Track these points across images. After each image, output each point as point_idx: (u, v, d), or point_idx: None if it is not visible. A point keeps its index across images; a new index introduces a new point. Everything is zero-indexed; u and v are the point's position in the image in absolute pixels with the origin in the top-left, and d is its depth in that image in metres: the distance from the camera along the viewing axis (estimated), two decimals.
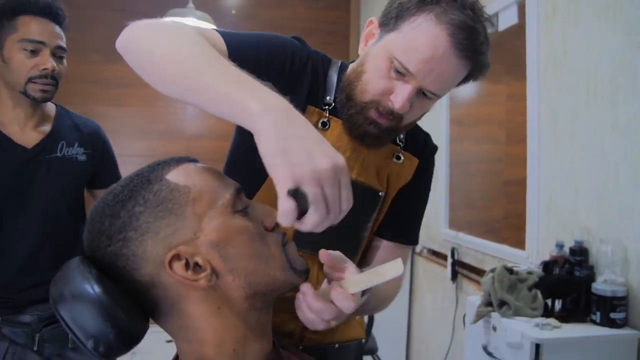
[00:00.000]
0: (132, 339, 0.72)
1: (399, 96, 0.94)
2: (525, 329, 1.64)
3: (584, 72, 1.97)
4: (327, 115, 1.07)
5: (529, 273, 1.87)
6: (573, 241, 1.89)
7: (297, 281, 0.78)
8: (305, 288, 0.78)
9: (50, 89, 1.55)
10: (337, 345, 1.17)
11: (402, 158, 1.15)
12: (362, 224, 1.14)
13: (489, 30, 0.97)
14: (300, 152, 0.62)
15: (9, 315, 1.54)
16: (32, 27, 1.51)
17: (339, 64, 1.13)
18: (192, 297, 0.72)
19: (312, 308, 0.77)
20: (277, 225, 0.79)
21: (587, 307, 1.73)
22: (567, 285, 1.77)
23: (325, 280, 0.86)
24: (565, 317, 1.73)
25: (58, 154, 1.61)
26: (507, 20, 2.50)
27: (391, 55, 0.94)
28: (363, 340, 1.28)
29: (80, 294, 0.68)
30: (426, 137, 1.25)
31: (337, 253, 0.84)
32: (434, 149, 1.27)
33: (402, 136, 1.15)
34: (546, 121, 2.20)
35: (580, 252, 1.86)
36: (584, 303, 1.74)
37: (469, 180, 2.97)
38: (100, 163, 1.74)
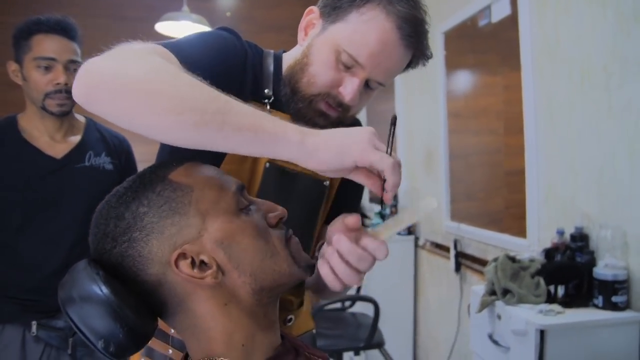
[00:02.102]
0: (141, 338, 0.72)
1: (349, 88, 0.95)
2: (529, 315, 1.66)
3: (578, 59, 1.99)
4: (269, 109, 1.03)
5: (531, 261, 1.89)
6: (573, 227, 1.91)
7: (302, 275, 0.79)
8: (338, 236, 0.75)
9: (67, 102, 1.61)
10: None
11: None
12: (311, 215, 1.13)
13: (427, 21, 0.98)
14: (354, 133, 0.76)
15: (44, 320, 1.61)
16: (45, 44, 1.58)
17: (273, 54, 1.09)
18: (199, 295, 0.72)
19: (352, 255, 0.74)
20: (280, 221, 0.80)
21: (589, 291, 1.75)
22: (569, 271, 1.79)
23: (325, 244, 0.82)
24: (568, 302, 1.75)
25: (86, 164, 1.68)
26: (500, 11, 2.52)
27: (339, 47, 0.93)
28: (313, 331, 1.28)
29: (89, 295, 0.68)
30: (354, 121, 1.20)
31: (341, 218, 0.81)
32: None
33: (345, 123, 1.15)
34: (542, 110, 2.22)
35: (580, 238, 1.88)
36: (586, 288, 1.76)
37: (469, 172, 2.99)
38: (125, 173, 1.77)
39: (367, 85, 0.98)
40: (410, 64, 1.01)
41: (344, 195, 1.19)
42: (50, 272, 1.60)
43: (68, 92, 1.59)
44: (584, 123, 1.97)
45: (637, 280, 1.72)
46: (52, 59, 1.58)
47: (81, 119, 1.77)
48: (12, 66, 1.62)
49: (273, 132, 0.70)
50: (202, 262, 0.71)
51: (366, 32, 0.92)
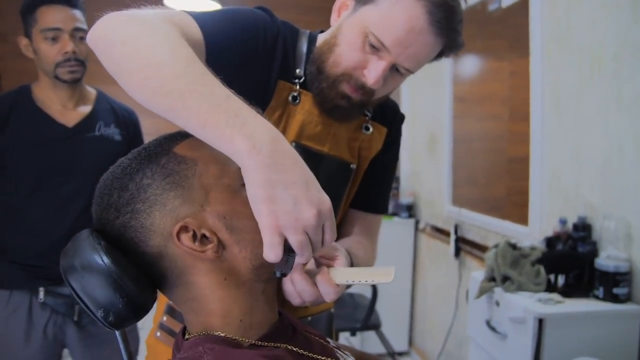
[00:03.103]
0: (140, 308, 0.73)
1: (373, 71, 0.94)
2: (528, 303, 1.66)
3: (588, 47, 1.96)
4: (298, 89, 1.05)
5: (532, 248, 1.88)
6: (576, 217, 1.90)
7: None
8: (299, 271, 0.81)
9: (78, 69, 1.66)
10: (309, 318, 1.18)
11: (371, 129, 1.16)
12: (335, 196, 1.11)
13: (463, 6, 0.98)
14: (285, 202, 0.63)
15: (51, 286, 1.66)
16: (49, 16, 1.62)
17: (308, 34, 1.09)
18: (199, 269, 0.72)
19: (296, 284, 0.80)
20: None
21: (590, 282, 1.75)
22: (570, 261, 1.78)
23: (313, 261, 0.87)
24: (568, 292, 1.75)
25: (96, 133, 1.74)
26: None
27: (367, 29, 0.93)
28: (332, 310, 1.29)
29: (90, 264, 0.69)
30: (394, 105, 1.24)
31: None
32: (402, 118, 1.26)
33: (370, 107, 1.16)
34: (549, 98, 2.19)
35: (583, 228, 1.87)
36: (587, 278, 1.75)
37: (472, 158, 2.97)
38: (133, 145, 1.81)
39: (396, 70, 0.97)
40: (443, 53, 0.99)
41: (371, 178, 1.20)
42: (58, 237, 1.64)
43: (77, 59, 1.65)
44: (591, 112, 1.95)
45: (639, 273, 1.71)
46: (58, 29, 1.62)
47: (92, 90, 1.82)
48: (24, 41, 1.67)
49: (220, 133, 0.64)
50: (203, 235, 0.71)
51: (395, 15, 0.91)
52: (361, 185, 1.20)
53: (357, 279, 0.80)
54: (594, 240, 1.85)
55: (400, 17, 0.90)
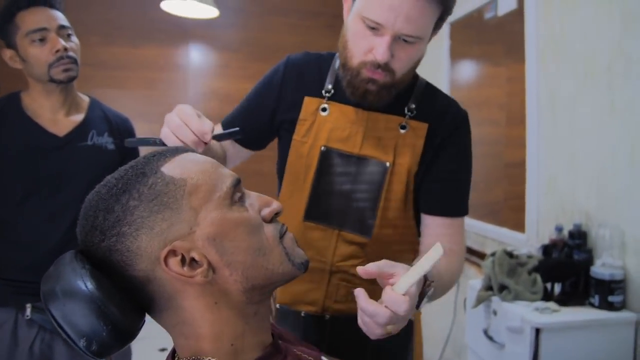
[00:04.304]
0: (126, 335, 0.69)
1: (379, 48, 1.02)
2: (525, 313, 1.67)
3: (582, 56, 1.97)
4: (326, 101, 1.21)
5: (529, 257, 1.89)
6: (572, 224, 1.91)
7: (295, 273, 0.77)
8: (357, 291, 0.80)
9: (72, 66, 1.60)
10: None
11: (407, 127, 1.18)
12: (373, 194, 1.18)
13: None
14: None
15: (39, 302, 1.59)
16: (30, 18, 1.54)
17: None
18: (188, 293, 0.70)
19: (365, 311, 0.78)
20: (275, 216, 0.79)
21: (585, 290, 1.76)
22: (566, 269, 1.79)
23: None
24: (564, 300, 1.76)
25: (88, 143, 1.66)
26: (506, 5, 2.50)
27: (361, 15, 1.02)
28: (411, 318, 1.24)
29: (73, 290, 0.65)
30: (448, 102, 1.25)
31: (383, 262, 0.83)
32: (458, 114, 1.24)
33: (412, 106, 1.19)
34: (545, 104, 2.21)
35: (579, 236, 1.88)
36: (582, 286, 1.77)
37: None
38: (127, 154, 1.76)
39: (403, 41, 1.03)
40: (445, 7, 1.04)
41: (433, 180, 1.21)
42: (47, 250, 1.58)
43: (69, 57, 1.58)
44: (585, 120, 1.96)
45: (633, 281, 1.72)
46: (44, 29, 1.55)
47: (85, 97, 1.76)
48: (8, 53, 1.60)
49: None
50: (192, 259, 0.69)
51: None
52: (426, 189, 1.21)
53: (416, 275, 0.79)
54: (590, 247, 1.86)
55: None
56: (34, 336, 1.59)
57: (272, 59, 5.09)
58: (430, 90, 1.25)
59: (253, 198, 0.78)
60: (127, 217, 0.68)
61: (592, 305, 1.73)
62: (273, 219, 0.78)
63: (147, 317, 0.76)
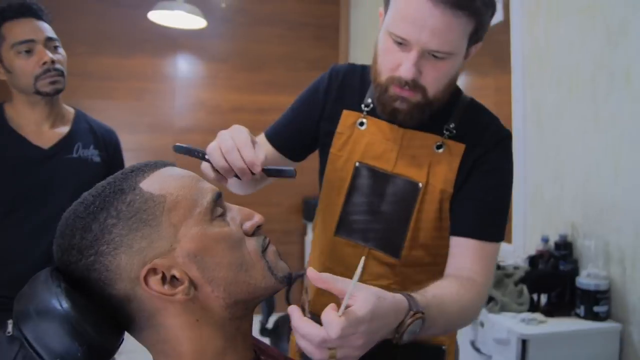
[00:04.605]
0: (102, 355, 0.67)
1: (404, 64, 0.98)
2: (511, 324, 1.67)
3: (567, 68, 2.00)
4: (364, 115, 1.17)
5: (516, 268, 1.90)
6: (558, 235, 1.92)
7: (278, 287, 0.76)
8: (291, 309, 0.72)
9: (59, 79, 1.58)
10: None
11: (444, 147, 1.12)
12: (404, 214, 1.13)
13: None
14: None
15: None
16: (17, 29, 1.53)
17: None
18: (169, 311, 0.68)
19: (297, 330, 0.70)
20: (257, 229, 0.77)
21: (571, 300, 1.77)
22: (552, 280, 1.80)
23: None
24: (550, 311, 1.77)
25: (74, 155, 1.65)
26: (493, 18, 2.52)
27: (388, 31, 0.99)
28: (443, 347, 1.21)
29: (47, 310, 0.63)
30: (490, 121, 1.17)
31: (325, 275, 0.74)
32: (497, 133, 1.15)
33: (452, 125, 1.12)
34: (531, 116, 2.23)
35: (564, 246, 1.90)
36: (568, 297, 1.78)
37: None
38: (113, 167, 1.75)
39: (433, 57, 0.98)
40: (479, 21, 0.97)
41: (468, 201, 1.11)
42: (31, 265, 1.53)
43: (56, 69, 1.57)
44: (570, 131, 1.99)
45: (618, 291, 1.74)
46: (31, 41, 1.54)
47: (70, 109, 1.74)
48: None
49: None
50: (173, 277, 0.67)
51: (400, 5, 0.97)
52: (456, 207, 1.12)
53: (346, 296, 0.69)
54: (575, 258, 1.87)
55: (402, 5, 0.96)
56: (16, 352, 1.57)
57: (260, 69, 5.17)
58: (474, 108, 1.18)
59: (234, 212, 0.77)
60: (105, 236, 0.67)
61: (578, 315, 1.74)
62: (255, 232, 0.77)
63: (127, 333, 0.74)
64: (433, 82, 1.02)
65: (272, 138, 1.27)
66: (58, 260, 0.71)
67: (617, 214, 1.76)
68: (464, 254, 1.07)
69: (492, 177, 1.12)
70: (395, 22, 0.97)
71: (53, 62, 1.55)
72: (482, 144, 1.11)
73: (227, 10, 4.34)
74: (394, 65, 1.01)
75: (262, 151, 0.92)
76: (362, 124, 1.17)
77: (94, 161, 1.69)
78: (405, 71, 0.98)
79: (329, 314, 0.68)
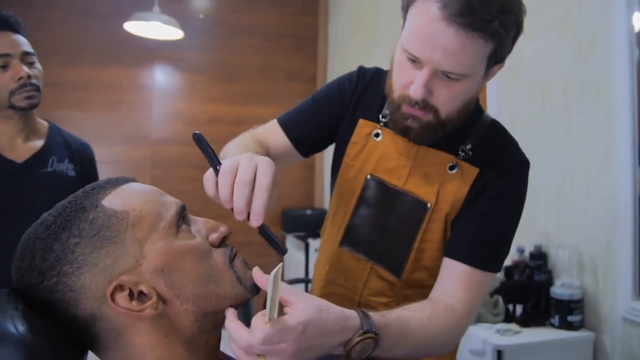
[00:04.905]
0: None
1: (415, 83, 0.92)
2: (487, 335, 1.68)
3: (539, 81, 2.03)
4: (380, 126, 1.12)
5: None
6: (533, 246, 1.94)
7: (247, 296, 0.75)
8: (227, 311, 0.71)
9: (34, 94, 1.55)
10: None
11: (457, 168, 1.06)
12: (410, 232, 1.08)
13: None
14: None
15: None
16: None
17: None
18: (137, 328, 0.67)
19: (228, 331, 0.69)
20: (223, 240, 0.77)
21: (546, 310, 1.79)
22: (527, 290, 1.82)
23: None
24: (525, 321, 1.78)
25: (49, 169, 1.61)
26: None
27: (402, 46, 0.93)
28: None
29: (1, 334, 0.60)
30: (507, 146, 1.11)
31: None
32: (513, 159, 1.09)
33: (468, 146, 1.06)
34: (505, 127, 2.25)
35: (539, 257, 1.92)
36: (543, 307, 1.79)
37: None
38: (88, 181, 1.71)
39: (447, 77, 0.91)
40: (500, 43, 0.90)
41: (469, 225, 1.05)
42: (2, 281, 1.52)
43: (32, 84, 1.54)
44: (544, 143, 2.01)
45: (591, 300, 1.76)
46: (7, 55, 1.50)
47: (44, 123, 1.71)
48: None
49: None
50: (140, 292, 0.66)
51: (413, 22, 0.90)
52: (454, 229, 1.06)
53: (269, 305, 0.67)
54: (550, 268, 1.89)
55: (416, 22, 0.89)
56: None
57: (238, 80, 5.14)
58: (494, 130, 1.11)
59: (200, 224, 0.76)
60: (67, 256, 0.65)
61: (552, 325, 1.76)
62: (221, 243, 0.76)
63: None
64: (445, 103, 0.96)
65: (288, 128, 1.18)
66: (17, 282, 0.68)
67: (590, 224, 1.79)
68: (452, 278, 1.01)
69: (499, 203, 1.05)
70: (409, 38, 0.91)
71: (29, 77, 1.53)
72: (495, 168, 1.05)
73: (205, 21, 4.32)
74: (406, 82, 0.95)
75: (273, 200, 0.79)
76: (377, 135, 1.12)
77: (69, 175, 1.66)
78: (414, 91, 0.92)
79: (257, 319, 0.67)
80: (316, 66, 4.53)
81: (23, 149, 1.60)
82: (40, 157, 1.61)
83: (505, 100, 2.25)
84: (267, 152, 1.13)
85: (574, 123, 1.86)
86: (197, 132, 0.80)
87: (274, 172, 0.78)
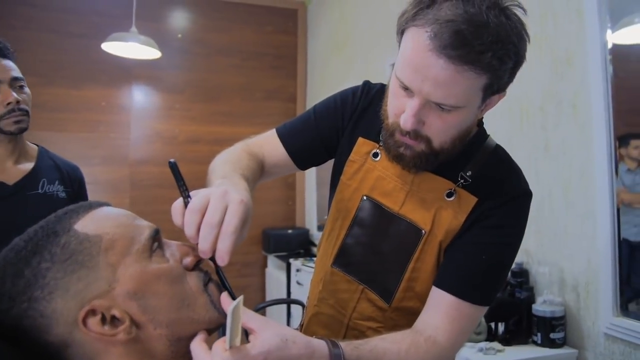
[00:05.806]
0: None
1: (405, 113, 0.88)
2: (469, 354, 1.67)
3: (517, 98, 2.04)
4: (379, 146, 1.07)
5: None
6: (514, 263, 1.93)
7: (222, 320, 0.73)
8: (198, 333, 0.71)
9: (23, 118, 1.57)
10: None
11: (454, 196, 1.01)
12: (402, 257, 1.04)
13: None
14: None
15: None
16: None
17: None
18: (111, 353, 0.65)
19: (192, 352, 0.68)
20: (197, 263, 0.76)
21: (528, 328, 1.78)
22: (510, 308, 1.81)
23: None
24: (508, 339, 1.77)
25: (39, 191, 1.63)
26: None
27: (396, 74, 0.90)
28: None
29: None
30: (508, 175, 1.05)
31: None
32: (513, 189, 1.02)
33: (468, 173, 1.01)
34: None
35: (521, 274, 1.91)
36: (525, 324, 1.78)
37: None
38: (77, 202, 1.70)
39: (439, 108, 0.87)
40: (495, 76, 0.86)
41: (461, 255, 1.00)
42: None
43: (21, 109, 1.55)
44: (522, 160, 2.00)
45: (572, 317, 1.75)
46: None
47: (33, 146, 1.73)
48: None
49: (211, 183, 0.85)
50: (113, 317, 0.65)
51: (405, 51, 0.87)
52: (447, 260, 1.02)
53: (230, 324, 0.66)
54: (531, 285, 1.89)
55: (408, 49, 0.86)
56: None
57: (216, 100, 5.13)
58: (496, 157, 1.06)
59: (173, 248, 0.75)
60: (39, 281, 0.64)
61: (535, 343, 1.75)
62: (196, 266, 0.75)
63: None
64: (438, 133, 0.92)
65: (286, 140, 1.16)
66: None
67: (570, 241, 1.79)
68: (438, 308, 0.96)
69: (493, 234, 1.00)
70: (401, 67, 0.88)
71: (18, 102, 1.54)
72: (493, 198, 1.00)
73: (183, 41, 4.32)
74: (398, 110, 0.92)
75: (239, 241, 0.76)
76: (376, 155, 1.09)
77: (60, 197, 1.67)
78: (404, 121, 0.89)
79: (217, 345, 0.66)
80: (295, 85, 4.55)
81: (13, 172, 1.61)
82: (30, 179, 1.63)
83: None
84: (261, 164, 1.13)
85: (552, 139, 1.87)
86: (172, 160, 0.79)
87: (245, 212, 0.75)
